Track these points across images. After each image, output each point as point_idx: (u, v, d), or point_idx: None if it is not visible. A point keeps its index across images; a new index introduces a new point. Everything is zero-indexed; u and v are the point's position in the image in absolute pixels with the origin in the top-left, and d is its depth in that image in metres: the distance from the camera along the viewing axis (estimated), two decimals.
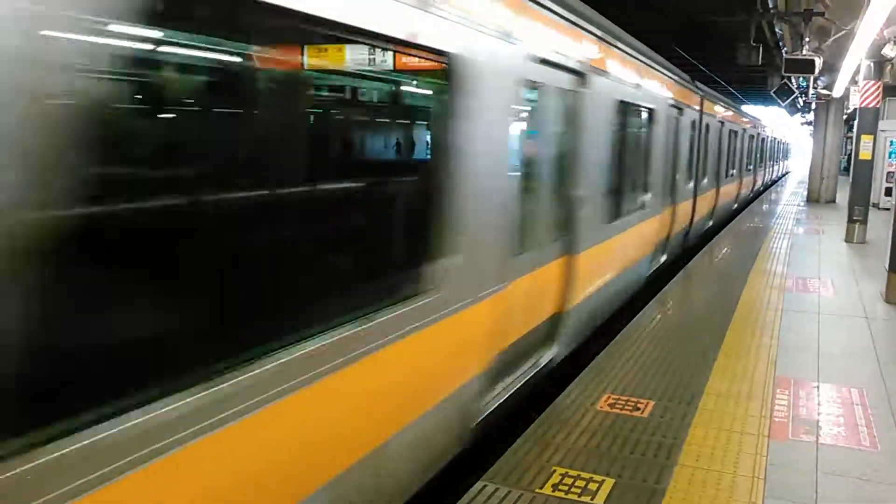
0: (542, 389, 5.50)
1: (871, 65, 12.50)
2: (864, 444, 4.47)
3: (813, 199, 22.55)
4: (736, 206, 19.27)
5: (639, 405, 4.91)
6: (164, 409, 2.12)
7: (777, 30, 15.82)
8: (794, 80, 18.66)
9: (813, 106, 24.02)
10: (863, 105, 13.42)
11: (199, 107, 2.72)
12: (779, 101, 21.05)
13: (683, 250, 12.14)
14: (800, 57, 13.72)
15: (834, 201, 21.98)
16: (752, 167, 22.31)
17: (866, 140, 13.49)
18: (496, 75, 4.05)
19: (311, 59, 3.09)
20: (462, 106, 3.67)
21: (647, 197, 8.58)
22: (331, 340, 2.81)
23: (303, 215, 2.94)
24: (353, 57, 3.28)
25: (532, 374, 5.07)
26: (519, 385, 4.84)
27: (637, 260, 8.22)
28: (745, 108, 26.07)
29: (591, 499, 3.65)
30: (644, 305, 7.83)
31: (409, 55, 3.45)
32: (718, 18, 14.09)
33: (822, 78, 18.78)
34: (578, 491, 3.73)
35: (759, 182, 25.96)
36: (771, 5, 13.74)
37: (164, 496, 2.18)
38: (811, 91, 21.09)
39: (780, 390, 5.30)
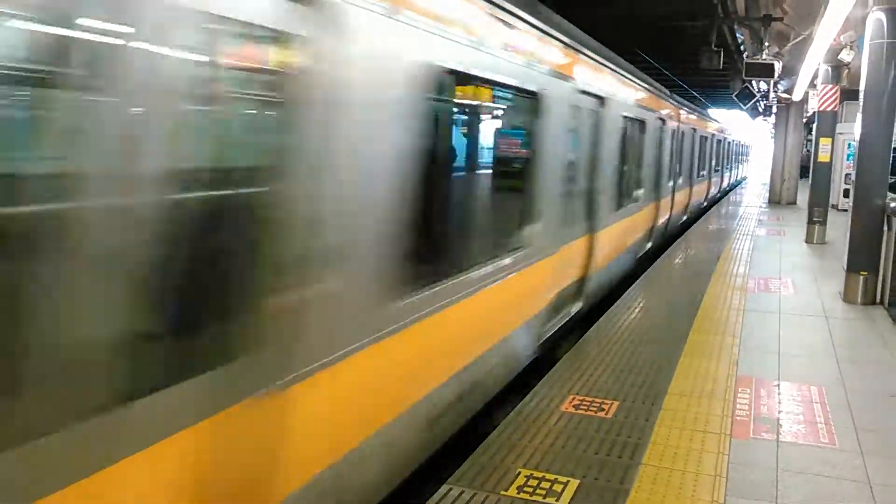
0: (508, 391, 5.51)
1: (829, 69, 12.77)
2: (824, 441, 4.55)
3: (774, 200, 22.98)
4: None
5: (603, 406, 4.94)
6: None
7: (738, 34, 16.12)
8: (754, 84, 19.01)
9: (774, 109, 24.49)
10: (821, 109, 13.71)
11: None
12: (741, 104, 21.44)
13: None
14: (760, 61, 13.98)
15: (795, 203, 22.42)
16: (689, 179, 16.06)
17: (825, 143, 13.77)
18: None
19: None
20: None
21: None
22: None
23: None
24: None
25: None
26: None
27: None
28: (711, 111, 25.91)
29: (556, 500, 3.66)
30: (610, 306, 7.90)
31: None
32: (680, 23, 14.31)
33: (782, 82, 19.16)
34: (543, 492, 3.73)
35: (703, 197, 19.86)
36: (731, 10, 13.97)
37: None
38: (772, 95, 21.51)
39: (741, 389, 5.37)
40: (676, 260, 11.35)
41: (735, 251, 12.26)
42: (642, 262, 10.96)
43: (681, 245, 13.02)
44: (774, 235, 14.88)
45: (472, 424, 4.93)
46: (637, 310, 7.80)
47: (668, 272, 10.30)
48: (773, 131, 25.44)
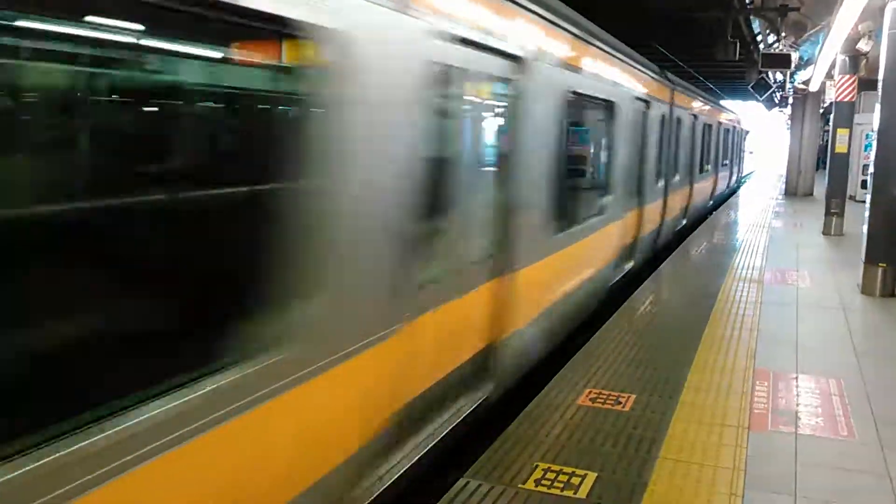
0: (526, 385, 5.52)
1: (847, 59, 12.63)
2: (842, 433, 4.53)
3: (791, 192, 22.79)
4: None
5: (620, 399, 4.94)
6: None
7: (754, 25, 15.97)
8: (770, 75, 18.83)
9: (790, 100, 24.25)
10: (838, 99, 13.57)
11: None
12: (757, 95, 21.26)
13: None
14: (776, 52, 13.86)
15: (812, 194, 22.23)
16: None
17: (842, 134, 13.64)
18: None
19: None
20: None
21: None
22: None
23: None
24: None
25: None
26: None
27: None
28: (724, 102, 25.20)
29: (574, 493, 3.67)
30: (625, 300, 7.88)
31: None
32: (696, 14, 14.19)
33: (797, 72, 18.98)
34: (561, 485, 3.74)
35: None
36: (747, 1, 13.85)
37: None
38: (788, 85, 21.30)
39: (759, 382, 5.35)
40: (692, 253, 11.30)
41: (751, 243, 12.18)
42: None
43: (696, 238, 12.95)
44: (791, 227, 14.77)
45: (489, 418, 4.95)
46: (653, 303, 7.78)
47: (683, 265, 10.26)
48: (790, 122, 25.18)
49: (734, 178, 24.48)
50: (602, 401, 4.91)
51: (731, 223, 15.34)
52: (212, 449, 2.24)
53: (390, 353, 3.25)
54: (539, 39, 5.14)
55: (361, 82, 2.91)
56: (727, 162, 21.11)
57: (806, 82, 20.31)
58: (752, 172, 39.68)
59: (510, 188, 4.75)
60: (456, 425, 4.19)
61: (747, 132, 31.81)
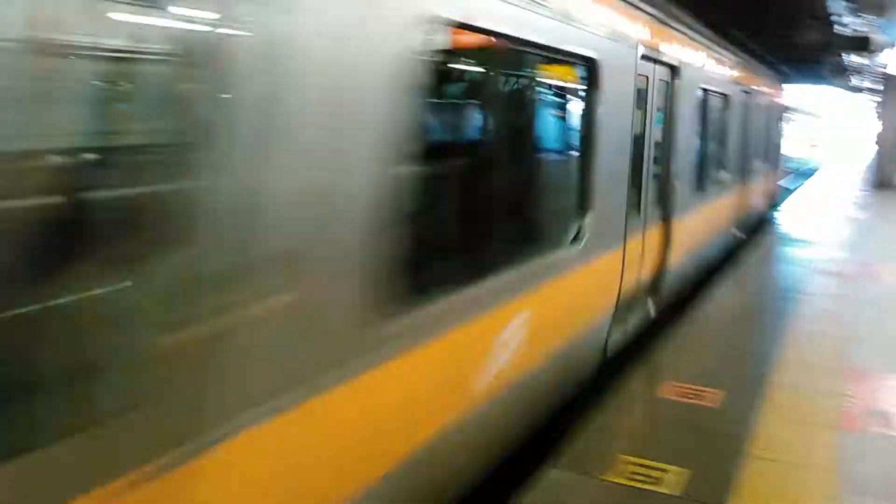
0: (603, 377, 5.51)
1: None
2: None
3: (883, 183, 21.16)
4: None
5: (704, 394, 4.85)
6: None
7: (834, 7, 15.33)
8: (853, 58, 18.06)
9: (882, 85, 23.12)
10: None
11: None
12: (836, 80, 20.44)
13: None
14: (853, 34, 13.26)
15: None
16: None
17: None
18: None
19: None
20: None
21: None
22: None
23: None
24: None
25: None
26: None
27: None
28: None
29: (661, 488, 3.63)
30: (706, 294, 7.73)
31: None
32: None
33: (879, 53, 18.12)
34: (647, 479, 3.71)
35: None
36: None
37: None
38: (876, 69, 20.37)
39: (849, 381, 5.16)
40: (768, 246, 10.98)
41: (833, 235, 11.75)
42: None
43: (771, 232, 12.59)
44: (878, 220, 14.17)
45: (568, 408, 4.95)
46: (734, 297, 7.61)
47: (765, 257, 9.98)
48: (880, 108, 23.96)
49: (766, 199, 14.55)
50: (685, 395, 4.84)
51: (809, 215, 14.83)
52: (575, 280, 4.67)
53: (621, 254, 5.61)
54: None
55: (611, 89, 4.96)
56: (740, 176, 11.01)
57: (885, 66, 19.35)
58: (815, 170, 34.10)
59: (670, 158, 6.92)
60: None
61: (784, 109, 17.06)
